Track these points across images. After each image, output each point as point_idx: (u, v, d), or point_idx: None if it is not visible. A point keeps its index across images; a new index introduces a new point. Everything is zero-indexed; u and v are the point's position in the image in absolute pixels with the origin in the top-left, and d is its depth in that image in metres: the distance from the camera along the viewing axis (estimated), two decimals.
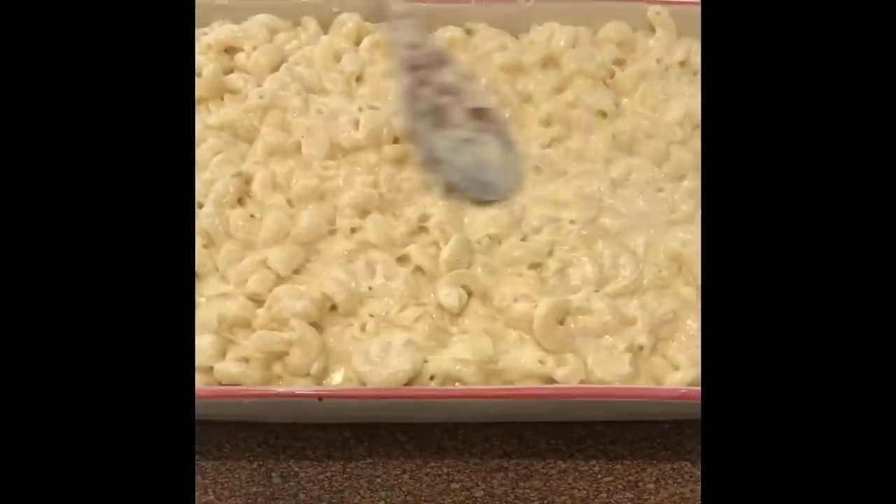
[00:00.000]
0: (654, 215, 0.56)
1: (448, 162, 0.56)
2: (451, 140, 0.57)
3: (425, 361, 0.48)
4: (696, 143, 0.59)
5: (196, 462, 0.52)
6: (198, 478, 0.51)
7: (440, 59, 0.60)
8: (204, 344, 0.49)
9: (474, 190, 0.56)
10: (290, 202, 0.55)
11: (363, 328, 0.50)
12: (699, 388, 0.47)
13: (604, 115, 0.60)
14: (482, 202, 0.55)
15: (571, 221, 0.55)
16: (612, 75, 0.62)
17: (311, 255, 0.53)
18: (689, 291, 0.53)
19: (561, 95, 0.61)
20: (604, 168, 0.58)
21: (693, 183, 0.57)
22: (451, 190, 0.56)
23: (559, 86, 0.61)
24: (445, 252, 0.52)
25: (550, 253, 0.53)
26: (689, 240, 0.54)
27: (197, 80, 0.60)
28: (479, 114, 0.58)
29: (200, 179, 0.55)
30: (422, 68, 0.59)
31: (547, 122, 0.60)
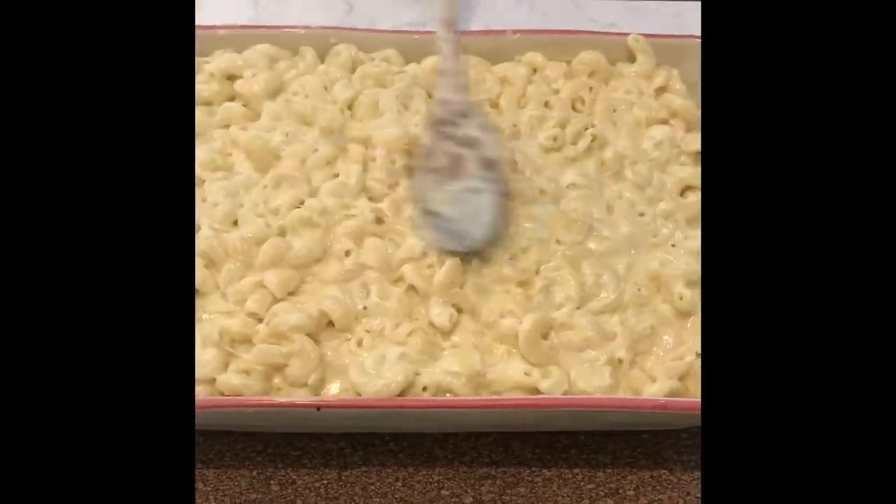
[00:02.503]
0: (636, 238, 0.58)
1: (439, 214, 0.56)
2: (454, 192, 0.56)
3: (417, 374, 0.50)
4: (675, 168, 0.62)
5: (198, 470, 0.54)
6: (200, 485, 0.53)
7: (465, 112, 0.60)
8: (207, 357, 0.50)
9: (449, 240, 0.55)
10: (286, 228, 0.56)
11: (360, 343, 0.52)
12: (680, 399, 0.49)
13: (593, 138, 0.62)
14: (453, 252, 0.55)
15: (557, 242, 0.56)
16: (594, 101, 0.64)
17: (308, 277, 0.55)
18: (667, 309, 0.55)
19: (549, 121, 0.63)
20: (598, 192, 0.60)
21: (670, 205, 0.59)
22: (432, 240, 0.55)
23: (542, 115, 0.63)
24: (440, 275, 0.53)
25: (537, 272, 0.55)
26: (667, 260, 0.56)
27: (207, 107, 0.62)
28: (488, 164, 0.58)
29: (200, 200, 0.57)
30: (447, 123, 0.59)
31: (546, 149, 0.62)
